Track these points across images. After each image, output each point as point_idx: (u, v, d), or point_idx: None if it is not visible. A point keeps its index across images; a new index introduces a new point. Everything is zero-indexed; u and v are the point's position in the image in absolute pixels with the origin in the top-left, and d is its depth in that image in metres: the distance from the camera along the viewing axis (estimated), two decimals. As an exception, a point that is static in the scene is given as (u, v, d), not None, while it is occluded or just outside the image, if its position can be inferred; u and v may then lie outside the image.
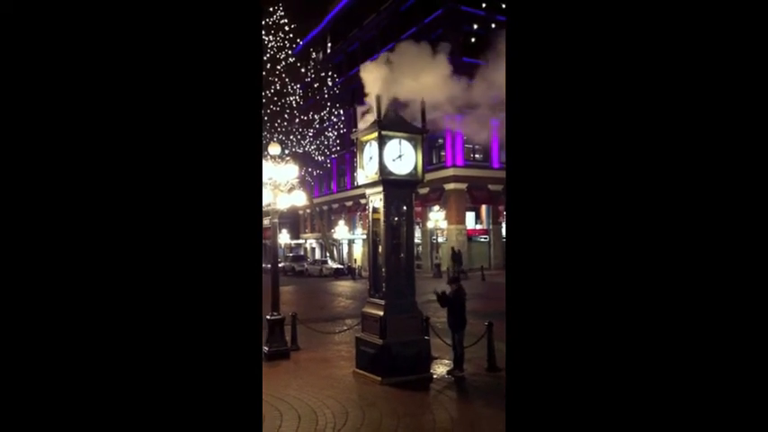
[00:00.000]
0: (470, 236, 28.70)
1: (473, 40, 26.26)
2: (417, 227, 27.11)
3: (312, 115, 30.68)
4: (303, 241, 44.50)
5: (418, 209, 26.79)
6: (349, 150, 33.55)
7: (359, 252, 35.86)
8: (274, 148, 8.85)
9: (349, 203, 36.69)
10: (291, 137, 29.91)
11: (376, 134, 6.88)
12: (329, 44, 41.27)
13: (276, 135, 28.30)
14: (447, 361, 7.48)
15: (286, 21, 28.53)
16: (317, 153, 31.63)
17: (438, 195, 28.26)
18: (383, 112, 6.90)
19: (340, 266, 31.34)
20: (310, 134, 30.98)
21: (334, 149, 32.32)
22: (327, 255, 35.89)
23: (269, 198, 8.66)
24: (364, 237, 30.54)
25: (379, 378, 6.62)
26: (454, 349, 7.09)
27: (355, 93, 35.19)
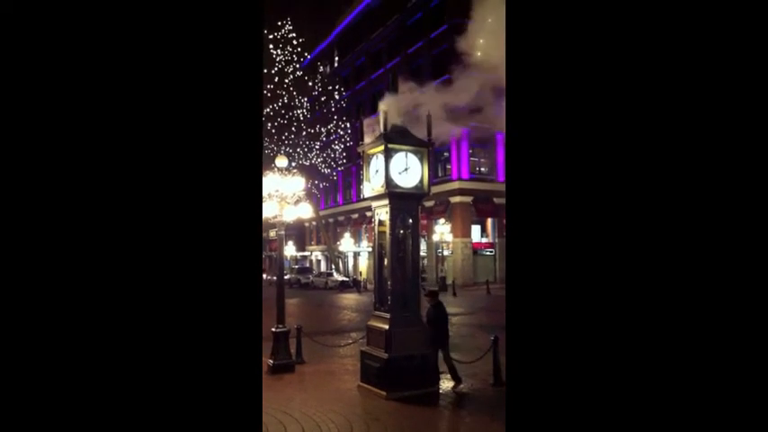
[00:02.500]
0: (476, 249, 28.63)
1: (479, 54, 26.35)
2: (423, 240, 27.06)
3: (319, 128, 30.91)
4: (309, 253, 44.52)
5: (424, 222, 26.74)
6: (355, 163, 33.68)
7: (364, 265, 35.79)
8: (281, 161, 8.89)
9: (355, 216, 36.71)
10: (298, 149, 30.12)
11: (382, 147, 6.90)
12: (336, 58, 41.59)
13: (283, 148, 28.51)
14: (452, 375, 7.43)
15: (294, 35, 28.86)
16: (323, 166, 31.81)
17: (443, 208, 28.25)
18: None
19: (345, 279, 31.33)
20: (317, 147, 31.19)
21: (340, 162, 32.48)
22: (333, 267, 35.87)
23: (275, 210, 8.67)
24: (370, 249, 30.51)
25: (384, 392, 6.57)
26: (444, 367, 7.03)
27: (361, 106, 35.46)
